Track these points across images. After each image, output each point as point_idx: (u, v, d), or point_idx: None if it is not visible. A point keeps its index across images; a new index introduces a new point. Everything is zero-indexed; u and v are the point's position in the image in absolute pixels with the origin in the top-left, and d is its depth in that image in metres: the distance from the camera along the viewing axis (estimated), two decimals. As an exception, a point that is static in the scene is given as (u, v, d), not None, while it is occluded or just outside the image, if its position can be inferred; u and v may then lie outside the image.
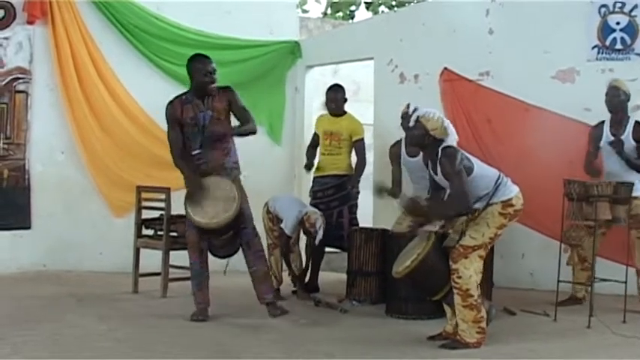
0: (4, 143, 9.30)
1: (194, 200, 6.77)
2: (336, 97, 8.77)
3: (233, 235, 7.00)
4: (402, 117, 7.89)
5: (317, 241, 8.14)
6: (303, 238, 8.62)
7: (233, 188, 6.82)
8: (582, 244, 7.62)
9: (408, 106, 7.88)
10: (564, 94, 8.57)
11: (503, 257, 8.22)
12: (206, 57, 7.07)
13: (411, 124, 6.19)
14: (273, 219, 8.25)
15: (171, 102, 6.99)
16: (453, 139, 6.09)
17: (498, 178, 6.06)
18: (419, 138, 6.09)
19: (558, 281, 7.25)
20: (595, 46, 8.58)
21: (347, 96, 8.84)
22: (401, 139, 7.99)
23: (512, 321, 7.10)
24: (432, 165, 6.13)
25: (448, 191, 6.05)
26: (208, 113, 6.88)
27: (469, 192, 5.88)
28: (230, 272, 6.99)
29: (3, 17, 9.31)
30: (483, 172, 6.09)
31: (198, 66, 6.96)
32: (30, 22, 9.40)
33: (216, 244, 7.06)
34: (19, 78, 9.39)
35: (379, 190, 8.00)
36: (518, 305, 7.55)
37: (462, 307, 5.94)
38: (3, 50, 9.30)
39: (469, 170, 5.96)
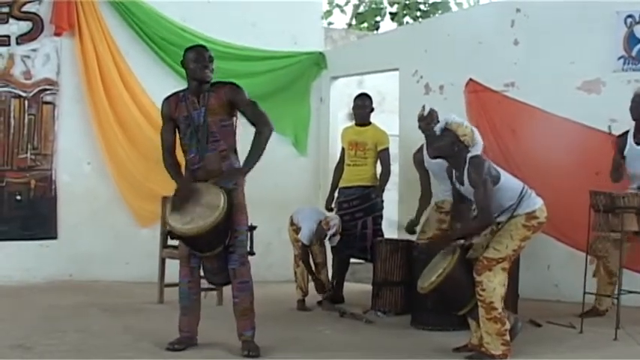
0: (31, 154, 9.38)
1: (176, 204, 5.99)
2: (363, 104, 8.77)
3: (225, 258, 6.12)
4: (419, 119, 7.89)
5: (330, 243, 8.33)
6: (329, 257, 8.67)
7: (221, 198, 5.85)
8: (608, 257, 7.58)
9: (423, 107, 7.91)
10: (590, 105, 8.53)
11: (529, 268, 8.16)
12: (202, 47, 6.34)
13: (438, 132, 6.12)
14: (297, 230, 8.27)
15: (167, 98, 6.29)
16: (479, 148, 6.05)
17: (522, 190, 6.01)
18: (448, 146, 5.99)
19: (584, 293, 7.20)
20: (621, 57, 8.53)
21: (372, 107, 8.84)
22: (422, 145, 8.00)
23: (538, 333, 7.06)
24: (457, 175, 6.07)
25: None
26: (202, 110, 6.06)
27: (492, 202, 5.86)
28: (255, 282, 6.86)
29: (31, 29, 9.40)
30: (509, 183, 6.04)
31: (190, 55, 6.15)
32: (57, 34, 9.49)
33: (209, 267, 6.24)
34: (47, 89, 9.48)
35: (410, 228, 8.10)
36: (544, 317, 7.51)
37: (485, 319, 5.90)
38: (31, 62, 9.40)
39: (496, 179, 5.92)
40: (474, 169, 5.88)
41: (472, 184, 5.89)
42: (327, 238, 8.27)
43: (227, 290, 7.58)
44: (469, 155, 5.96)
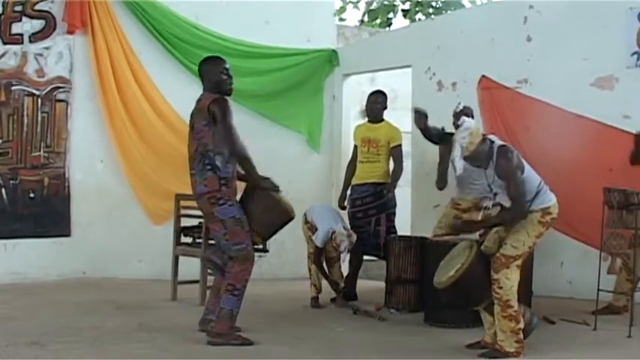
0: (44, 152, 9.41)
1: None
2: (377, 100, 8.79)
3: None
4: (453, 115, 7.83)
5: (341, 261, 8.35)
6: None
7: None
8: (628, 254, 7.54)
9: (459, 104, 7.82)
10: (603, 102, 8.48)
11: (542, 265, 8.16)
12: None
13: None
14: (312, 228, 8.26)
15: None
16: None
17: (539, 184, 5.97)
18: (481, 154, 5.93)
19: (598, 290, 7.19)
20: (634, 53, 8.48)
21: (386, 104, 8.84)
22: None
23: (552, 330, 7.05)
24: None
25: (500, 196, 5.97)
26: None
27: (524, 192, 5.81)
28: (269, 280, 6.85)
29: (43, 27, 9.42)
30: (530, 174, 5.99)
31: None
32: (70, 32, 9.52)
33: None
34: (60, 87, 9.51)
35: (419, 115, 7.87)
36: (558, 314, 7.49)
37: (501, 317, 5.88)
38: (44, 60, 9.42)
39: (521, 169, 5.87)
40: (503, 160, 5.81)
41: (500, 175, 5.83)
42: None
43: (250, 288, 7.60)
44: (497, 146, 5.91)
